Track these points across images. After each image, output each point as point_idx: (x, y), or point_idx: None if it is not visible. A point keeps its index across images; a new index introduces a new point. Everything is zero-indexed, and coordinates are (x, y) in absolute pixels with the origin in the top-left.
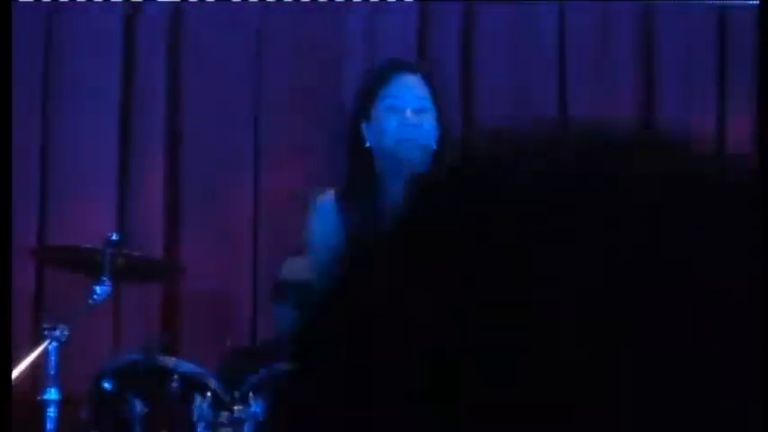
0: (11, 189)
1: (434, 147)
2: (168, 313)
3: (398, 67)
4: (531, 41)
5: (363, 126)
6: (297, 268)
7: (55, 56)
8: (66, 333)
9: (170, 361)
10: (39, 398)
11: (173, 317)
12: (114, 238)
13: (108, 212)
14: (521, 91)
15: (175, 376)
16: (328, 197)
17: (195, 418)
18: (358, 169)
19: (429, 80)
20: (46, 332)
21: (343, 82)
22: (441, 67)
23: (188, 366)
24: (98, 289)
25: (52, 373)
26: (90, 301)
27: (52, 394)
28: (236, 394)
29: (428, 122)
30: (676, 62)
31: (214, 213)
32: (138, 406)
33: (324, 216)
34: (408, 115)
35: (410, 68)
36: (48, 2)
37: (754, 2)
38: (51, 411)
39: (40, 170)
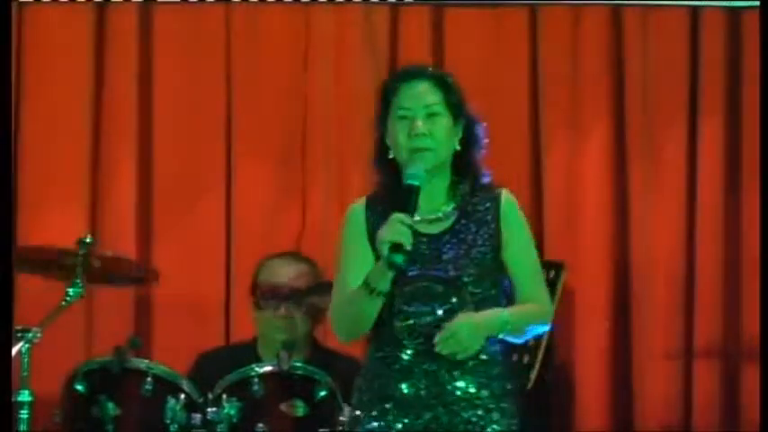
0: (11, 190)
1: (456, 147)
2: (141, 315)
3: (407, 75)
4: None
5: (385, 136)
6: (276, 271)
7: (28, 58)
8: (38, 335)
9: (143, 363)
10: (11, 399)
11: (145, 319)
12: (87, 240)
13: (80, 214)
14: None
15: (148, 378)
16: (359, 205)
17: (168, 420)
18: (384, 179)
19: (440, 84)
20: (19, 334)
21: (310, 87)
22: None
23: (161, 369)
24: (70, 291)
25: (24, 375)
26: (62, 304)
27: (25, 396)
28: (210, 396)
29: (440, 127)
30: (647, 65)
31: (186, 215)
32: (111, 408)
33: (353, 222)
34: (418, 125)
35: (419, 75)
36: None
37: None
38: (23, 413)
39: (12, 171)
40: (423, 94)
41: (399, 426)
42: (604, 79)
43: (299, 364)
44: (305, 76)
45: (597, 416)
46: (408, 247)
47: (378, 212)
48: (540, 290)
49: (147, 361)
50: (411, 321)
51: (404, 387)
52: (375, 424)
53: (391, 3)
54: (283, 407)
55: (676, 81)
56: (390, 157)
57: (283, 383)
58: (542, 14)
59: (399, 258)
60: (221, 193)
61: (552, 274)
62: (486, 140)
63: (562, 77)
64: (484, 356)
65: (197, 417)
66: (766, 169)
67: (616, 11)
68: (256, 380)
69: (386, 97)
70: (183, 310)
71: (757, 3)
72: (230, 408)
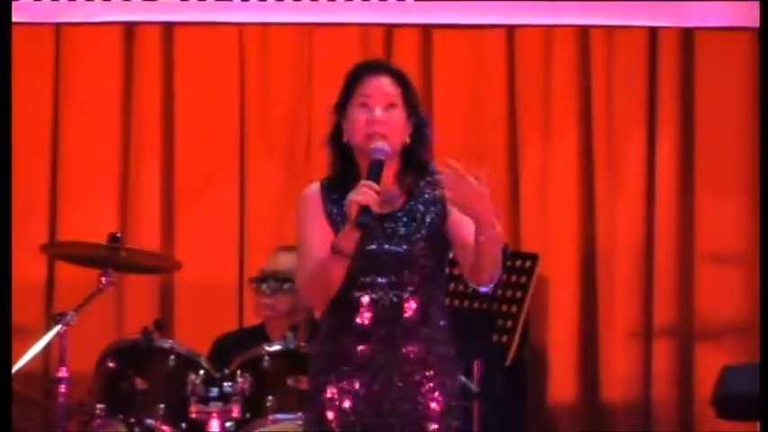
0: (10, 192)
1: (406, 141)
2: (164, 301)
3: (371, 68)
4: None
5: (342, 121)
6: (279, 261)
7: (66, 73)
8: (74, 319)
9: (166, 343)
10: (51, 376)
11: (168, 304)
12: (118, 235)
13: (111, 211)
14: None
15: (171, 356)
16: (313, 187)
17: (189, 393)
18: (337, 160)
19: (399, 81)
20: (57, 318)
21: (315, 95)
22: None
23: (182, 348)
24: (103, 280)
25: (63, 354)
26: (96, 291)
27: (63, 372)
28: (225, 372)
29: (397, 118)
30: (611, 79)
31: (204, 211)
32: (139, 382)
33: (310, 203)
34: (377, 112)
35: (383, 69)
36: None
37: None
38: (62, 388)
39: (50, 174)
40: (384, 86)
41: (356, 386)
42: (573, 92)
43: (303, 344)
44: (309, 88)
45: (567, 389)
46: (376, 209)
47: (330, 193)
48: None
49: (170, 341)
50: (370, 291)
51: (360, 349)
52: (334, 387)
53: (385, 24)
54: (290, 381)
55: (637, 94)
56: (344, 141)
57: (290, 360)
58: (518, 34)
59: (367, 218)
60: (235, 191)
61: (528, 263)
62: (433, 141)
63: (535, 90)
64: (434, 325)
65: (214, 390)
66: (766, 169)
67: (583, 31)
68: (266, 357)
69: (350, 84)
70: (202, 296)
71: (709, 24)
72: (244, 382)
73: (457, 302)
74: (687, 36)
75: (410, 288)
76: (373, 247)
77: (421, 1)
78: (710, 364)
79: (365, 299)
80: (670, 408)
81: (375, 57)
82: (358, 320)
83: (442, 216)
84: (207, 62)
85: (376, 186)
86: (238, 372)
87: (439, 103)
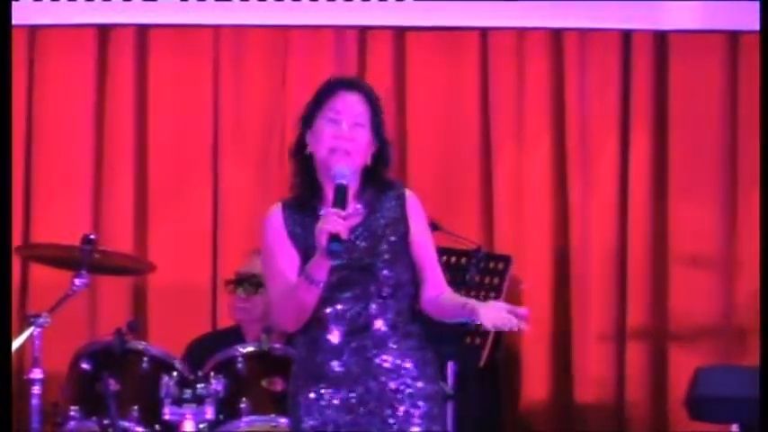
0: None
1: (368, 160)
2: (138, 302)
3: (344, 84)
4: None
5: (307, 133)
6: (253, 263)
7: (39, 75)
8: (48, 320)
9: (140, 344)
10: (25, 377)
11: (142, 306)
12: (91, 236)
13: (84, 213)
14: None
15: (145, 358)
16: (276, 210)
17: (163, 394)
18: (299, 173)
19: (369, 99)
20: (31, 319)
21: (287, 100)
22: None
23: (156, 349)
24: (76, 281)
25: (36, 355)
26: (69, 292)
27: (36, 374)
28: (199, 374)
29: (362, 137)
30: (584, 82)
31: (178, 214)
32: (112, 384)
33: (273, 226)
34: (344, 128)
35: (355, 87)
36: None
37: (656, 27)
38: (36, 389)
39: (24, 176)
40: (354, 104)
41: (336, 401)
42: (546, 94)
43: (277, 345)
44: (284, 90)
45: (541, 390)
46: (345, 237)
47: (293, 213)
48: (441, 274)
49: (144, 343)
50: (337, 306)
51: (335, 366)
52: (313, 403)
53: (359, 26)
54: (264, 383)
55: (610, 96)
56: (308, 152)
57: (264, 362)
58: (491, 37)
59: (339, 247)
60: (209, 193)
61: (501, 265)
62: (392, 161)
63: (509, 92)
64: (404, 333)
65: (188, 392)
66: (766, 169)
67: (556, 34)
68: (240, 359)
69: (320, 97)
70: (175, 298)
71: (680, 27)
72: (217, 384)
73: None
74: (661, 39)
75: (377, 300)
76: (337, 262)
77: (395, 2)
78: (683, 365)
79: (333, 314)
80: (643, 409)
81: (348, 74)
82: (329, 337)
83: (405, 234)
84: (180, 64)
85: (343, 213)
86: (212, 373)
87: (412, 105)
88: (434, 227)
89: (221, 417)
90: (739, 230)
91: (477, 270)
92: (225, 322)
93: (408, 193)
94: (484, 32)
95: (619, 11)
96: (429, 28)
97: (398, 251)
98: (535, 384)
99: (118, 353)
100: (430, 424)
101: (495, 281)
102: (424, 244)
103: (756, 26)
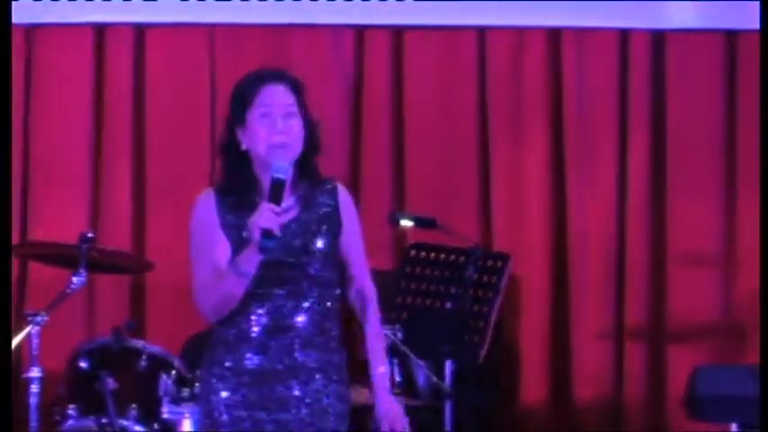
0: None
1: (302, 147)
2: (136, 301)
3: (267, 77)
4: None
5: (239, 131)
6: None
7: (37, 73)
8: (46, 318)
9: (138, 343)
10: (23, 375)
11: (140, 304)
12: (89, 235)
13: (82, 212)
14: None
15: (143, 356)
16: (207, 195)
17: (161, 393)
18: (234, 169)
19: (294, 88)
20: (29, 318)
21: None
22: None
23: (154, 348)
24: (74, 280)
25: (34, 353)
26: (67, 291)
27: (35, 372)
28: (197, 372)
29: (296, 126)
30: (582, 81)
31: (176, 212)
32: (110, 382)
33: (204, 210)
34: (278, 122)
35: (279, 78)
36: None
37: (654, 26)
38: (34, 387)
39: (22, 174)
40: (281, 95)
41: (253, 398)
42: (544, 93)
43: None
44: None
45: (539, 389)
46: (278, 233)
47: (226, 201)
48: (367, 270)
49: (142, 341)
50: (264, 302)
51: (256, 360)
52: (230, 396)
53: (356, 26)
54: None
55: (608, 95)
56: (242, 148)
57: None
58: (489, 35)
59: (270, 243)
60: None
61: (499, 263)
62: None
63: (507, 91)
64: (328, 334)
65: (186, 391)
66: (766, 169)
67: (555, 32)
68: None
69: (245, 95)
70: (173, 296)
71: (678, 26)
72: None
73: (429, 302)
74: (658, 38)
75: (307, 298)
76: (269, 259)
77: (393, 2)
78: (682, 364)
79: (261, 310)
80: (641, 408)
81: (271, 68)
82: (255, 330)
83: (336, 233)
84: (178, 62)
85: (278, 209)
86: None
87: (410, 104)
88: (433, 224)
89: None
90: (737, 229)
91: (476, 268)
92: None
93: (341, 187)
94: (481, 31)
95: (616, 10)
96: (427, 27)
97: (330, 251)
98: (533, 382)
99: (116, 351)
100: (344, 424)
101: (494, 279)
102: (353, 240)
103: (754, 25)
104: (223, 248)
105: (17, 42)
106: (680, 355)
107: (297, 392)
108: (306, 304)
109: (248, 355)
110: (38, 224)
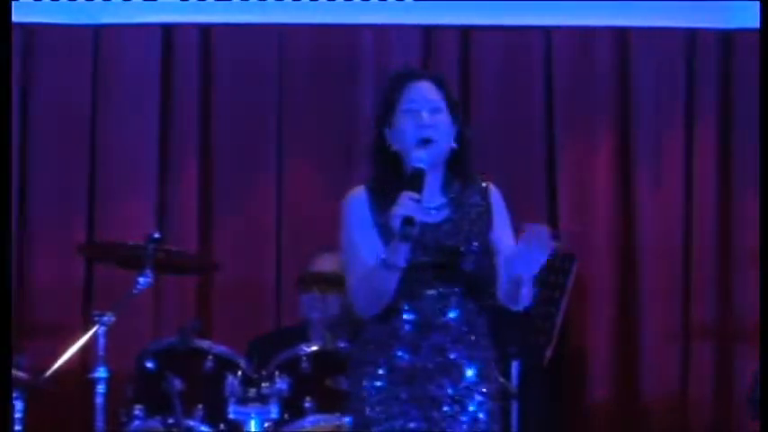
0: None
1: (454, 144)
2: (202, 301)
3: (411, 75)
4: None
5: (387, 132)
6: (325, 262)
7: (105, 73)
8: (112, 319)
9: (204, 343)
10: (89, 376)
11: (206, 304)
12: (156, 235)
13: (149, 212)
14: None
15: (209, 357)
16: (360, 193)
17: (227, 393)
18: (386, 171)
19: (440, 84)
20: (95, 318)
21: (357, 98)
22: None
23: (220, 348)
24: (141, 280)
25: (101, 354)
26: (134, 291)
27: (101, 373)
28: (263, 373)
29: (444, 122)
30: (649, 81)
31: (242, 212)
32: (177, 383)
33: (358, 209)
34: (424, 117)
35: (422, 76)
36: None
37: (721, 26)
38: (100, 388)
39: (89, 175)
40: (427, 91)
41: (404, 395)
42: (611, 91)
43: (342, 344)
44: (354, 89)
45: (605, 389)
46: (419, 220)
47: (380, 201)
48: None
49: (208, 341)
50: (416, 301)
51: (407, 358)
52: (380, 393)
53: (424, 26)
54: (328, 382)
55: (675, 93)
56: (392, 149)
57: (328, 361)
58: (555, 35)
59: (411, 230)
60: (272, 192)
61: (565, 264)
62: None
63: (573, 90)
64: (476, 331)
65: (252, 391)
66: (766, 169)
67: (622, 32)
68: (305, 358)
69: (390, 94)
70: (239, 297)
71: (745, 26)
72: (282, 383)
73: (494, 303)
74: (725, 37)
75: (458, 297)
76: (420, 259)
77: (461, 2)
78: (748, 364)
79: (413, 309)
80: (707, 408)
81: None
82: (406, 329)
83: (488, 224)
84: (245, 62)
85: (417, 196)
86: (277, 372)
87: (475, 104)
88: None
89: (286, 416)
90: None
91: (543, 269)
92: (289, 321)
93: (493, 187)
94: (548, 30)
95: (683, 10)
96: (493, 27)
97: (482, 250)
98: (598, 383)
99: (182, 352)
100: (492, 423)
101: (560, 279)
102: (503, 235)
103: None
104: (374, 244)
105: (85, 42)
106: (747, 353)
107: (449, 390)
108: (457, 303)
109: (399, 353)
110: (104, 224)
